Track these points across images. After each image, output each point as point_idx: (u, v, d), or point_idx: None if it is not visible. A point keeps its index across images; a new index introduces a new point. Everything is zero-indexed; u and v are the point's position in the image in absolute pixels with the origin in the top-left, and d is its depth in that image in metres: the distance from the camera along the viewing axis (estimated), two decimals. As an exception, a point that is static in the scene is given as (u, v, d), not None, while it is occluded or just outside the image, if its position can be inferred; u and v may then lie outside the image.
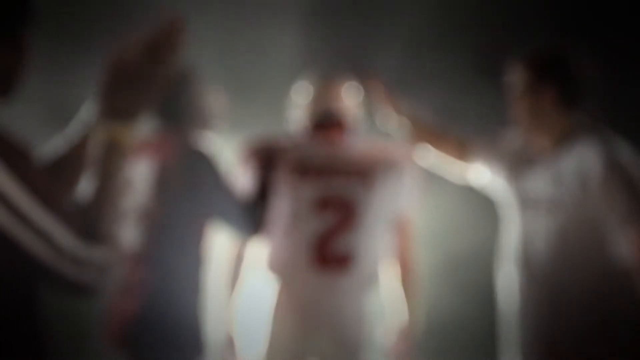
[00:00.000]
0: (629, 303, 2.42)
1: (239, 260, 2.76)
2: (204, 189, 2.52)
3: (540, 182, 2.55)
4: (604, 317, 2.43)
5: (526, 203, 2.57)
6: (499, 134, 2.75)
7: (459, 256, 3.74)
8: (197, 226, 2.55)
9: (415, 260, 2.80)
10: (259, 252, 2.76)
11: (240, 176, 2.73)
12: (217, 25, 3.78)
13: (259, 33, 3.85)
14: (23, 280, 1.32)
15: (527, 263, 2.54)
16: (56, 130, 1.75)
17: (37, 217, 1.27)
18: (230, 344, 2.72)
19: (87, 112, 1.55)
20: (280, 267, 2.70)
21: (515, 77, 2.59)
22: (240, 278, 2.76)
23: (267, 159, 2.70)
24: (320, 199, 2.69)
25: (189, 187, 2.52)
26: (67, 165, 1.56)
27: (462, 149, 2.77)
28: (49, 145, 1.60)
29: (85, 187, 1.36)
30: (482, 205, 3.09)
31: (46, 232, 1.27)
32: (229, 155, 2.91)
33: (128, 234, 2.57)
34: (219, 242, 2.72)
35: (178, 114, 2.65)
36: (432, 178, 2.99)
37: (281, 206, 2.70)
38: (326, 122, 2.80)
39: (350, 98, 2.86)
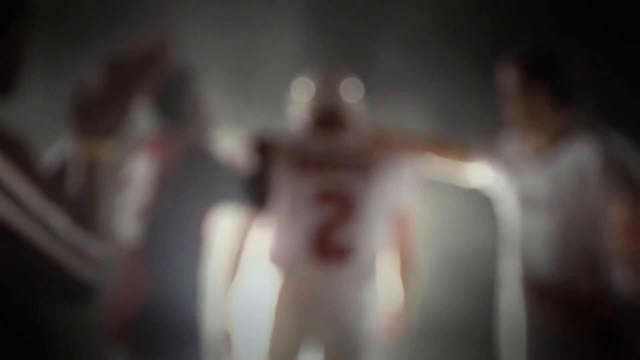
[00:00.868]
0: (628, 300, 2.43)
1: (238, 253, 2.79)
2: (205, 178, 2.54)
3: (539, 181, 2.55)
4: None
5: (526, 202, 2.58)
6: (498, 134, 2.75)
7: (459, 254, 3.74)
8: (198, 223, 2.57)
9: (413, 252, 2.85)
10: (260, 245, 2.78)
11: (241, 169, 2.74)
12: (217, 22, 3.78)
13: (259, 30, 3.86)
14: (24, 279, 1.32)
15: (527, 261, 2.55)
16: (56, 130, 1.75)
17: (38, 208, 1.27)
18: (227, 338, 2.74)
19: (66, 133, 1.55)
20: (281, 260, 2.74)
21: (507, 78, 2.59)
22: (239, 272, 2.79)
23: (267, 155, 2.72)
24: (321, 193, 2.73)
25: (189, 183, 2.54)
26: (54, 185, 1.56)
27: (463, 153, 2.78)
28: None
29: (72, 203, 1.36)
30: (482, 203, 3.09)
31: (47, 221, 1.28)
32: (230, 151, 2.92)
33: (129, 230, 2.59)
34: (219, 239, 2.73)
35: (178, 112, 2.67)
36: (432, 178, 2.99)
37: (282, 200, 2.73)
38: (326, 118, 2.83)
39: (350, 94, 2.87)
